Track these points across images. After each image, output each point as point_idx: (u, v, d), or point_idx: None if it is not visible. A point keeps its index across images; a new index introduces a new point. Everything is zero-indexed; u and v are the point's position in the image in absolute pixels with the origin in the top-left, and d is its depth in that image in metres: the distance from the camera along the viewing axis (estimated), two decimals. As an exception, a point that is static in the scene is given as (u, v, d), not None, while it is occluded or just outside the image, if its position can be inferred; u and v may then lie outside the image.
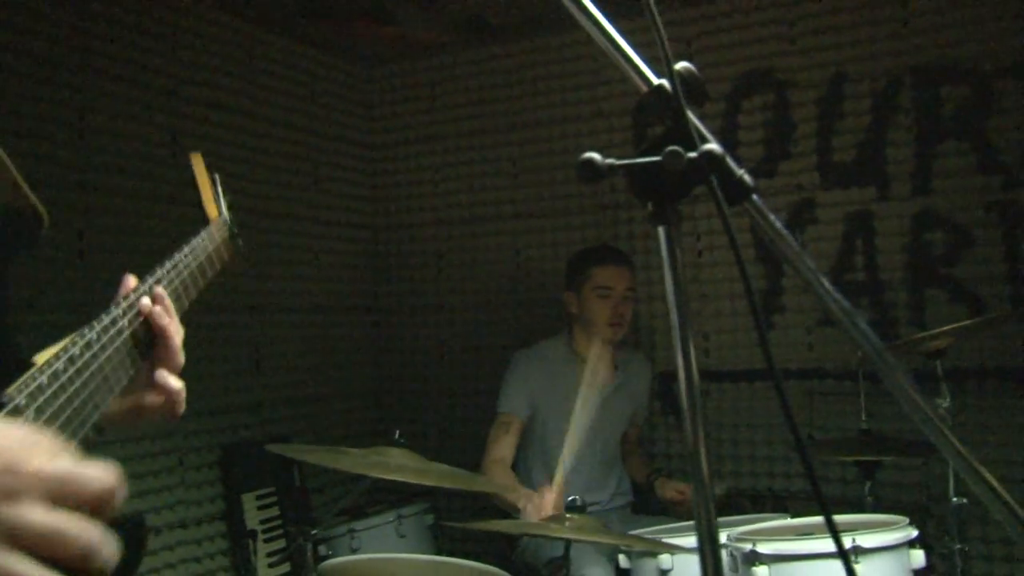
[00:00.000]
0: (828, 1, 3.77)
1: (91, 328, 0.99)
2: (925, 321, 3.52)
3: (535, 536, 2.95)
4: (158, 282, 1.16)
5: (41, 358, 0.94)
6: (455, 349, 4.50)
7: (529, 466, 3.60)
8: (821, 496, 1.17)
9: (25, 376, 0.84)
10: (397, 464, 2.25)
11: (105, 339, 1.00)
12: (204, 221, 1.49)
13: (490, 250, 4.45)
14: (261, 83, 4.07)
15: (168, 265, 1.22)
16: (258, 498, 3.74)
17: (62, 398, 0.88)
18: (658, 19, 0.90)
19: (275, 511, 3.80)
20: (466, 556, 3.04)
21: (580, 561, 2.87)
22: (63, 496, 0.69)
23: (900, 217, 3.67)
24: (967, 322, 2.90)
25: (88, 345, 0.96)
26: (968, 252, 3.55)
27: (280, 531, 3.78)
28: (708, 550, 1.00)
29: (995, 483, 0.89)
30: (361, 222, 4.67)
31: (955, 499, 2.71)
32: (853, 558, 2.24)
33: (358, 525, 3.54)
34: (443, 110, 4.57)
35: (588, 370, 3.09)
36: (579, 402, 2.99)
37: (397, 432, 2.39)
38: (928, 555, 2.47)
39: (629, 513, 3.64)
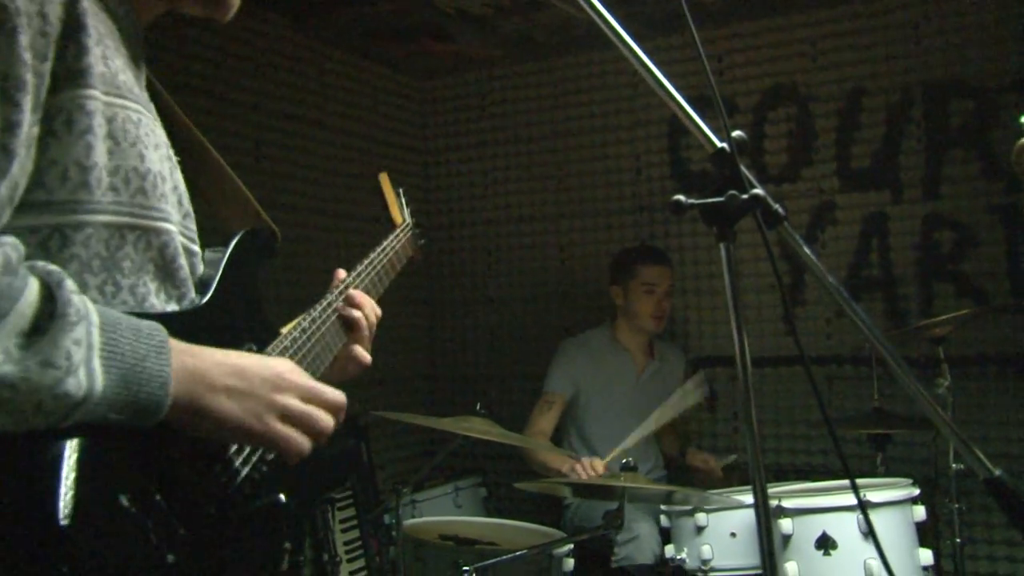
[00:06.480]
0: (847, 22, 4.15)
1: (315, 309, 1.43)
2: (933, 312, 3.89)
3: (593, 497, 3.34)
4: (358, 276, 1.58)
5: (285, 329, 1.37)
6: (503, 338, 4.92)
7: (568, 441, 4.00)
8: (842, 454, 1.54)
9: (276, 341, 1.31)
10: (480, 429, 2.68)
11: (323, 318, 1.44)
12: (391, 226, 1.88)
13: (536, 248, 4.87)
14: (330, 96, 4.51)
15: (365, 261, 1.64)
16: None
17: (297, 357, 1.32)
18: (717, 94, 1.31)
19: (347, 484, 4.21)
20: (517, 523, 3.45)
21: (628, 518, 3.28)
22: (312, 399, 1.21)
23: (912, 218, 4.05)
24: (965, 311, 3.28)
25: (313, 321, 1.40)
26: (973, 250, 3.94)
27: (350, 500, 4.20)
28: (761, 500, 1.29)
29: (947, 419, 1.29)
30: (417, 222, 5.07)
31: (954, 465, 3.10)
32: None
33: (419, 496, 3.94)
34: (492, 119, 4.99)
35: (682, 390, 3.56)
36: (665, 406, 3.46)
37: (478, 404, 2.82)
38: (931, 515, 2.87)
39: (664, 483, 4.05)
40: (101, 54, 1.12)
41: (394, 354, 4.81)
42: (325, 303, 1.47)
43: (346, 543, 4.10)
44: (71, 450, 0.99)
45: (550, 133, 4.83)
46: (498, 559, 2.59)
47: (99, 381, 0.98)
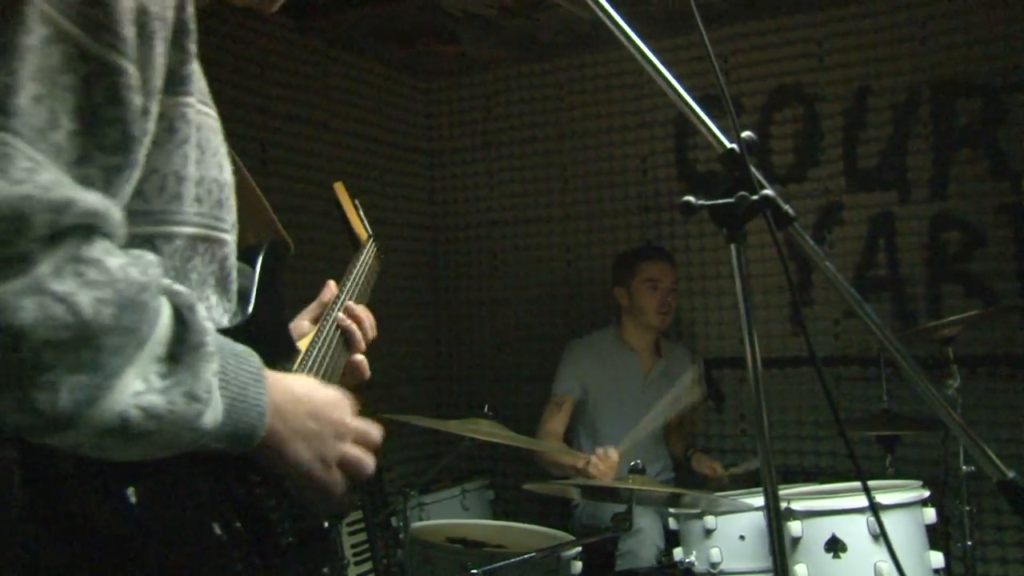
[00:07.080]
0: (852, 21, 4.14)
1: (323, 327, 1.43)
2: (941, 313, 3.87)
3: (601, 499, 3.33)
4: (349, 295, 1.56)
5: (302, 345, 1.37)
6: (509, 339, 4.91)
7: (579, 442, 4.00)
8: (854, 456, 1.53)
9: (300, 359, 1.33)
10: (487, 431, 2.67)
11: (330, 334, 1.44)
12: (354, 242, 1.78)
13: (542, 249, 4.86)
14: (335, 97, 4.51)
15: (350, 280, 1.60)
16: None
17: (319, 372, 1.32)
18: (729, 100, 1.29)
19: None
20: (524, 525, 3.44)
21: (636, 521, 3.27)
22: (361, 441, 1.20)
23: (919, 218, 4.04)
24: (974, 312, 3.26)
25: (325, 338, 1.41)
26: (981, 250, 3.92)
27: (357, 503, 4.18)
28: (772, 503, 1.30)
29: (961, 422, 1.28)
30: (422, 223, 5.09)
31: (964, 467, 3.08)
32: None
33: (426, 499, 3.93)
34: (497, 120, 4.98)
35: (682, 384, 3.53)
36: (664, 402, 3.43)
37: (485, 406, 2.80)
38: (942, 517, 2.85)
39: (672, 486, 4.03)
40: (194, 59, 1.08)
41: (400, 356, 4.80)
42: (331, 320, 1.46)
43: (353, 546, 4.08)
44: (165, 477, 0.97)
45: (555, 134, 4.82)
46: (506, 562, 2.57)
47: (219, 412, 0.95)
